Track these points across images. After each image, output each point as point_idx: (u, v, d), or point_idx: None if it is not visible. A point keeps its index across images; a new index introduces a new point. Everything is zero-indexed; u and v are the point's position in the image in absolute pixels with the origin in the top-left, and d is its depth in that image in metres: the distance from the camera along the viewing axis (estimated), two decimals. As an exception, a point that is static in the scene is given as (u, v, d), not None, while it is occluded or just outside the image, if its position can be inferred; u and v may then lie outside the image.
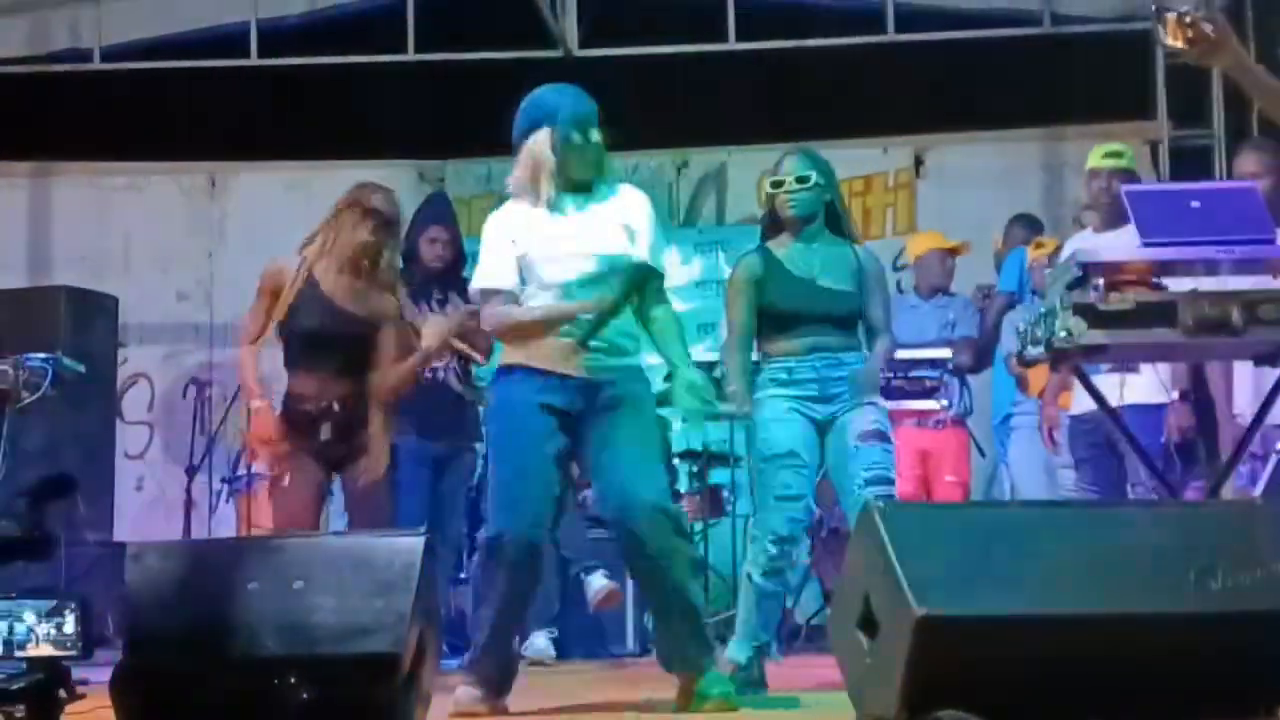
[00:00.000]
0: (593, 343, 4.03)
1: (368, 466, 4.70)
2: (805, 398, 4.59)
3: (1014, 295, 6.64)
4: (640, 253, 4.12)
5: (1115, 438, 5.14)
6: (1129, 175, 5.39)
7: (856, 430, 4.57)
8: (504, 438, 4.15)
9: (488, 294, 4.14)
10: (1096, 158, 5.53)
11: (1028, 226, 7.08)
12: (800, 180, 4.68)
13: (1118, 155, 5.51)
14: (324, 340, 4.68)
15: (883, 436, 4.63)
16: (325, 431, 4.68)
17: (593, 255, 4.06)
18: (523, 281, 4.08)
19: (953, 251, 7.05)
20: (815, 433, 4.61)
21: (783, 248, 4.74)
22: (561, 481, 4.10)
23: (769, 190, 4.79)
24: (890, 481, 4.59)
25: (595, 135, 4.09)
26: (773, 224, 4.80)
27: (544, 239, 4.06)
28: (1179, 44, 3.62)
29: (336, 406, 4.67)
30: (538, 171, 4.06)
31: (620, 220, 4.12)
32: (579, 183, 4.12)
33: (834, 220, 4.78)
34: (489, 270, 4.13)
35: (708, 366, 5.22)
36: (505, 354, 4.17)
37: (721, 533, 7.23)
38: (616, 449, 4.02)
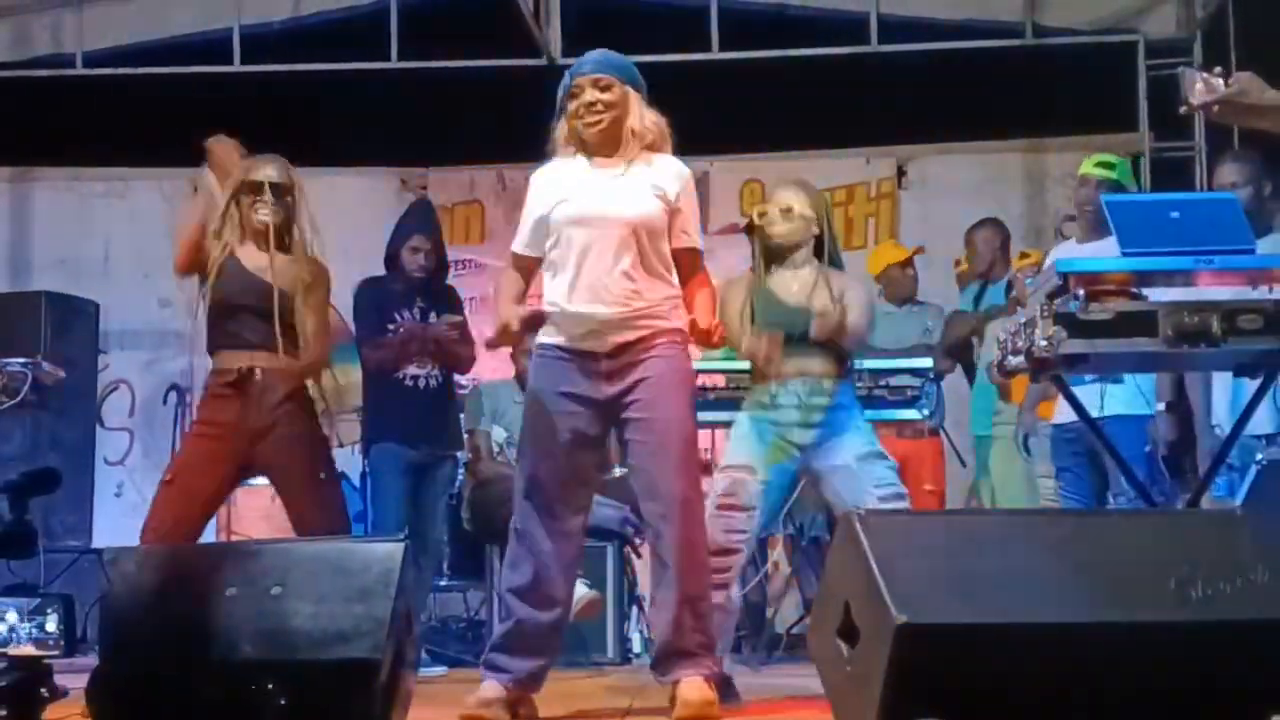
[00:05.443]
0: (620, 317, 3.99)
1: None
2: (786, 423, 4.51)
3: None
4: (679, 232, 4.08)
5: (1097, 448, 5.15)
6: (1116, 187, 5.39)
7: (854, 452, 4.49)
8: (521, 423, 4.17)
9: (515, 258, 4.13)
10: (1089, 165, 5.52)
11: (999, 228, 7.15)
12: (784, 211, 4.66)
13: (1109, 166, 5.49)
14: (243, 310, 4.62)
15: (883, 455, 4.56)
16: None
17: (613, 218, 4.00)
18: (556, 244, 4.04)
19: (908, 261, 7.13)
20: (787, 458, 4.53)
21: (769, 276, 4.68)
22: (573, 469, 4.02)
23: (755, 219, 4.73)
24: (902, 496, 4.51)
25: (595, 96, 4.05)
26: (763, 255, 4.72)
27: (568, 199, 4.03)
28: (1205, 102, 3.69)
29: (254, 375, 4.59)
30: (554, 138, 4.13)
31: (650, 184, 4.07)
32: (597, 146, 4.08)
33: (821, 251, 4.71)
34: (518, 235, 4.14)
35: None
36: (541, 330, 4.11)
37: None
38: (639, 441, 3.99)
